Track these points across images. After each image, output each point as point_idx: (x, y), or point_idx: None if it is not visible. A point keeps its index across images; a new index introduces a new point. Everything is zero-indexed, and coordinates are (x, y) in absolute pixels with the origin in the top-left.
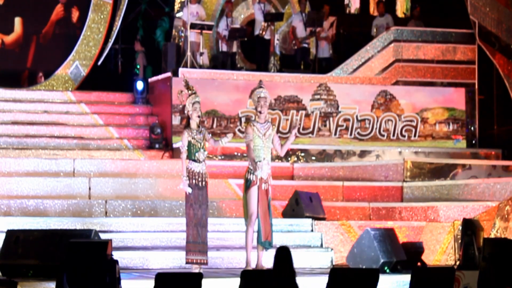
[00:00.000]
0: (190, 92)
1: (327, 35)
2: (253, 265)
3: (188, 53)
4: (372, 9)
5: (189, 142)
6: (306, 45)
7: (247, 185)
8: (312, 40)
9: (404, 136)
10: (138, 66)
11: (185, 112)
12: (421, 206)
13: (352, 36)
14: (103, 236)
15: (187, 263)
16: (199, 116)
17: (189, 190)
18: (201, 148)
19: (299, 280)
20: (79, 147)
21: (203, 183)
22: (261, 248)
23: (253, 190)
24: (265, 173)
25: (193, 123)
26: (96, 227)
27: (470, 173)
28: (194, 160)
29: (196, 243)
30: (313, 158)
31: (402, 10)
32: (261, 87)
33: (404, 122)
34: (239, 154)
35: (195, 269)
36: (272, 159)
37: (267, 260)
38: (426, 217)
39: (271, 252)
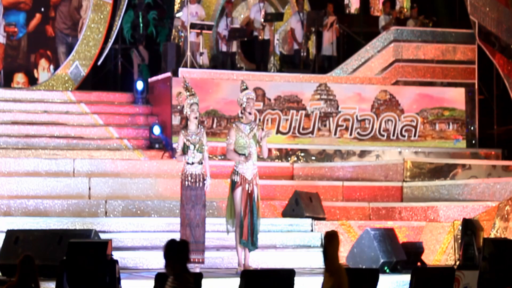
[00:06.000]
0: (188, 93)
1: (330, 33)
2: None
3: (188, 53)
4: (372, 9)
5: (184, 144)
6: (305, 46)
7: (232, 186)
8: (312, 40)
9: (404, 136)
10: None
11: (184, 113)
12: (421, 206)
13: (352, 36)
14: (103, 236)
15: None
16: (196, 118)
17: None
18: (194, 150)
19: (299, 280)
20: (79, 147)
21: (197, 184)
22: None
23: (238, 192)
24: (249, 174)
25: (192, 124)
26: (96, 227)
27: (470, 173)
28: (187, 162)
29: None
30: (313, 158)
31: (401, 10)
32: (247, 88)
33: (404, 122)
34: None
35: None
36: (272, 159)
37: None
38: (426, 217)
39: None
